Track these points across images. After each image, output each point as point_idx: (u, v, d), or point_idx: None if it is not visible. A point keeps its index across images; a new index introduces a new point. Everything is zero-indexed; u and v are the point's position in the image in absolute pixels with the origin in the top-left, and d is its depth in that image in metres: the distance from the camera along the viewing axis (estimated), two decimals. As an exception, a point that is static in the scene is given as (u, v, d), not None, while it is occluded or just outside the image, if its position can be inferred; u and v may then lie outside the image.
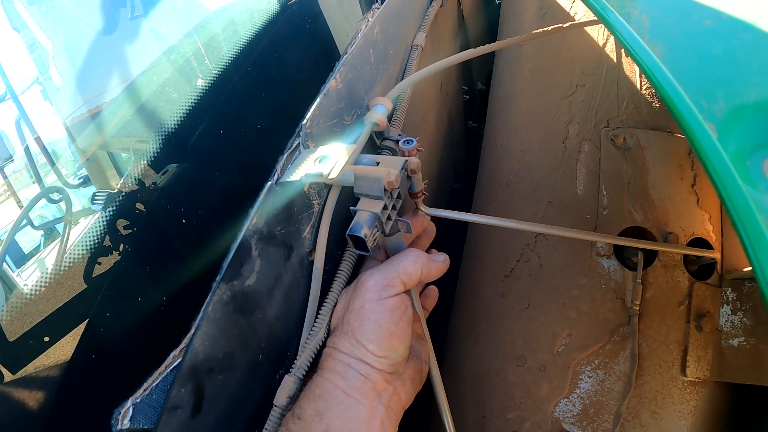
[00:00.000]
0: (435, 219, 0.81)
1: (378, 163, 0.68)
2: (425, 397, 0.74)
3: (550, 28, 0.91)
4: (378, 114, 0.74)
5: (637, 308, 0.81)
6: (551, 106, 1.00)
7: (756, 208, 0.41)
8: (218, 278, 0.59)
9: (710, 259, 0.85)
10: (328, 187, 0.71)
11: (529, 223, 0.83)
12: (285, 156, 0.72)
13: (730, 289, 0.83)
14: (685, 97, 0.48)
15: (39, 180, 1.52)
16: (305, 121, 0.69)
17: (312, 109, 0.69)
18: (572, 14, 1.06)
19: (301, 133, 0.69)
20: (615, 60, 0.95)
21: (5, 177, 1.72)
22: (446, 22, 1.16)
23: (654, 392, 0.82)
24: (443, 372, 0.78)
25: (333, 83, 0.72)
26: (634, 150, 0.88)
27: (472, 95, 1.39)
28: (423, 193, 0.75)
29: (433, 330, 0.77)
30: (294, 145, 0.73)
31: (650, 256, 0.84)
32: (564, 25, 0.91)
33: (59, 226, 1.47)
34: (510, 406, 0.87)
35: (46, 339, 0.62)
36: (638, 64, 0.54)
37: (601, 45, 0.98)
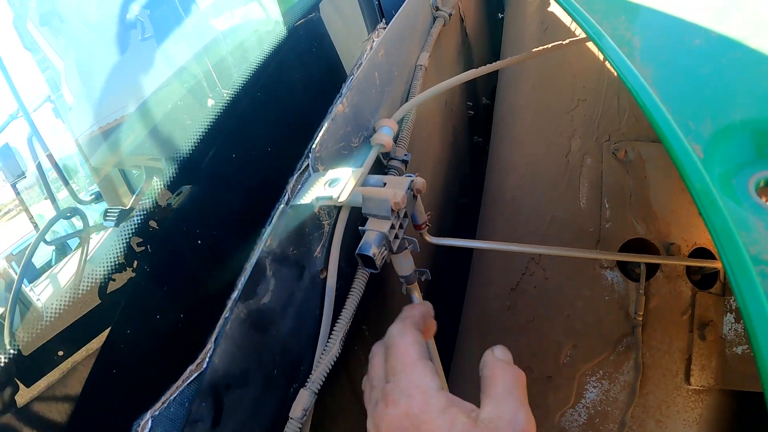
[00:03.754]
0: (443, 224, 0.82)
1: (385, 184, 0.70)
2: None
3: (550, 45, 0.93)
4: (384, 136, 0.77)
5: (641, 319, 0.83)
6: (553, 121, 1.02)
7: (735, 225, 0.42)
8: (235, 297, 0.62)
9: (713, 269, 0.86)
10: (338, 208, 0.73)
11: (531, 246, 0.84)
12: (294, 177, 0.75)
13: (732, 297, 0.84)
14: (670, 120, 0.50)
15: (52, 197, 1.54)
16: (315, 145, 0.71)
17: (321, 134, 0.71)
18: (573, 29, 1.08)
19: (310, 156, 0.71)
20: (615, 74, 0.96)
21: (18, 193, 1.74)
22: (449, 40, 1.18)
23: (659, 401, 0.83)
24: (451, 384, 0.79)
25: (340, 107, 0.74)
26: (636, 163, 0.90)
27: (477, 110, 1.40)
28: (426, 224, 0.77)
29: (440, 343, 0.78)
30: (303, 167, 0.75)
31: (653, 267, 0.86)
32: (564, 42, 0.93)
33: (70, 242, 1.49)
34: (517, 416, 0.88)
35: (60, 353, 0.63)
36: (627, 87, 0.56)
37: (602, 60, 1.00)
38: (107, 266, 0.64)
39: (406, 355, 0.56)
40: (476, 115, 1.39)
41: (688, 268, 0.86)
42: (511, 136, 1.12)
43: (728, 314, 0.84)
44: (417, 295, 0.79)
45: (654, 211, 0.87)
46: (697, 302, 0.85)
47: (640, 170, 0.89)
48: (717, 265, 0.85)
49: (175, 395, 0.61)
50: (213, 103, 0.91)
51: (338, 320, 0.70)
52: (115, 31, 1.33)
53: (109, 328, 0.62)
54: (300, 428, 0.64)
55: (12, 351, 0.57)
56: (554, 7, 1.15)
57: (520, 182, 1.03)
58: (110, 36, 1.34)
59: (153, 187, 0.77)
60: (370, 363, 0.61)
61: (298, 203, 0.68)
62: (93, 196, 1.44)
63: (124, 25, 1.31)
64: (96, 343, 0.61)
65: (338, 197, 0.65)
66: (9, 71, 1.44)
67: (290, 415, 0.64)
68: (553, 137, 1.00)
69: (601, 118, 0.96)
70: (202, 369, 0.61)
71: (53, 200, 1.52)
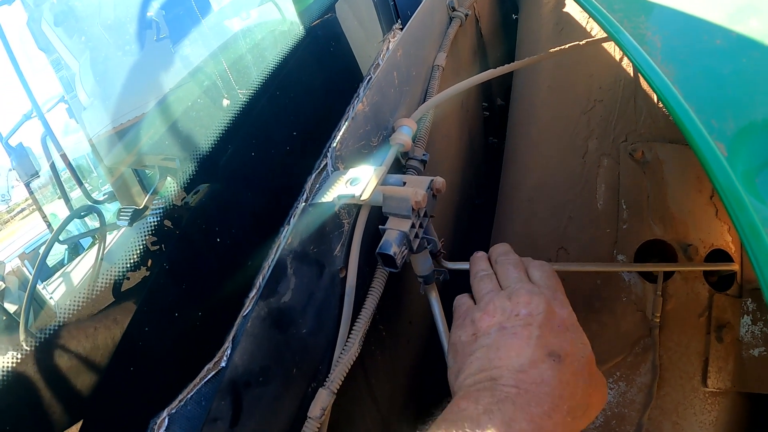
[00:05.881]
0: (459, 224, 0.82)
1: (404, 183, 0.70)
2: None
3: (567, 45, 0.92)
4: (403, 135, 0.77)
5: (658, 320, 0.83)
6: (570, 122, 1.01)
7: (761, 223, 0.42)
8: (256, 295, 0.62)
9: (730, 270, 0.86)
10: (358, 207, 0.73)
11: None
12: (313, 176, 0.75)
13: (750, 299, 0.83)
14: (695, 118, 0.50)
15: (65, 196, 1.54)
16: (335, 144, 0.71)
17: (341, 133, 0.72)
18: (588, 29, 1.08)
19: (330, 155, 0.72)
20: (632, 75, 0.96)
21: (31, 192, 1.75)
22: (465, 40, 1.18)
23: (675, 403, 0.83)
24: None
25: (360, 107, 0.74)
26: (653, 164, 0.89)
27: (492, 111, 1.40)
28: (441, 251, 0.77)
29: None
30: (321, 166, 0.76)
31: (670, 268, 0.86)
32: (581, 43, 0.93)
33: (83, 241, 1.49)
34: (533, 417, 0.88)
35: (75, 352, 0.64)
36: (651, 87, 0.56)
37: (618, 60, 0.99)
38: (123, 265, 0.64)
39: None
40: (491, 116, 1.39)
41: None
42: (527, 137, 1.11)
43: (745, 316, 0.83)
44: (435, 295, 0.79)
45: (671, 212, 0.86)
46: (714, 304, 0.84)
47: (658, 171, 0.89)
48: (734, 267, 0.85)
49: (192, 394, 0.61)
50: (228, 103, 0.91)
51: (358, 319, 0.70)
52: (129, 31, 1.34)
53: (125, 327, 0.62)
54: (318, 428, 0.65)
55: (27, 348, 0.58)
56: (569, 8, 1.15)
57: (536, 183, 1.03)
58: (125, 36, 1.35)
59: (167, 186, 0.77)
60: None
61: (320, 201, 0.68)
62: (106, 196, 1.44)
63: (139, 26, 1.32)
64: (112, 341, 0.61)
65: (360, 195, 0.65)
66: (23, 71, 1.45)
67: (309, 414, 0.65)
68: (570, 138, 1.00)
69: (618, 119, 0.95)
70: (220, 368, 0.62)
71: (66, 200, 1.53)
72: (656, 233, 0.86)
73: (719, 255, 0.86)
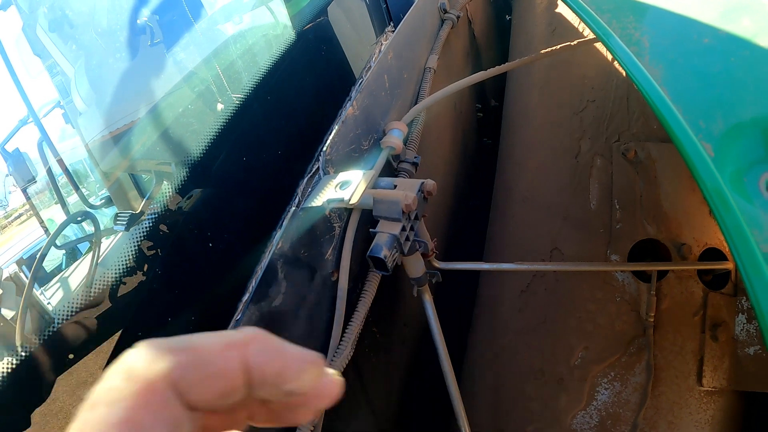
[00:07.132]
0: (454, 225, 0.82)
1: (395, 186, 0.70)
2: (443, 412, 0.75)
3: (559, 46, 0.93)
4: (394, 138, 0.77)
5: (652, 320, 0.83)
6: (563, 122, 1.01)
7: (747, 224, 0.42)
8: (247, 300, 0.62)
9: (724, 269, 0.85)
10: (349, 210, 0.73)
11: (541, 263, 0.86)
12: (305, 180, 0.75)
13: (744, 297, 0.83)
14: (680, 119, 0.50)
15: (62, 201, 1.54)
16: (325, 148, 0.71)
17: (331, 137, 0.72)
18: (581, 30, 1.08)
19: (320, 159, 0.72)
20: (624, 75, 0.96)
21: (28, 198, 1.75)
22: (458, 42, 1.18)
23: (671, 402, 0.83)
24: (461, 385, 0.79)
25: (350, 110, 0.74)
26: (646, 163, 0.89)
27: (486, 112, 1.40)
28: (434, 251, 0.77)
29: (451, 346, 0.78)
30: (313, 170, 0.75)
31: (664, 268, 0.86)
32: (572, 43, 0.93)
33: (81, 246, 1.49)
34: (528, 419, 0.88)
35: (71, 356, 0.63)
36: (638, 88, 0.56)
37: (610, 60, 0.99)
38: (118, 270, 0.64)
39: None
40: (485, 117, 1.39)
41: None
42: (521, 138, 1.11)
43: (740, 315, 0.83)
44: (428, 296, 0.79)
45: (665, 211, 0.86)
46: (709, 303, 0.84)
47: (651, 170, 0.89)
48: (728, 266, 0.84)
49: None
50: (222, 107, 0.91)
51: (350, 322, 0.70)
52: (124, 36, 1.34)
53: (120, 332, 0.62)
54: (312, 430, 0.64)
55: (23, 354, 0.58)
56: (562, 9, 1.15)
57: (530, 184, 1.03)
58: (120, 41, 1.35)
59: (163, 191, 0.77)
60: None
61: (310, 206, 0.68)
62: (103, 201, 1.44)
63: (134, 31, 1.32)
64: (107, 346, 0.62)
65: (349, 199, 0.65)
66: (19, 77, 1.45)
67: (301, 421, 0.64)
68: (563, 138, 1.00)
69: (611, 119, 0.95)
70: (214, 372, 0.62)
71: (63, 205, 1.53)
72: (650, 233, 0.86)
73: (713, 254, 0.86)
